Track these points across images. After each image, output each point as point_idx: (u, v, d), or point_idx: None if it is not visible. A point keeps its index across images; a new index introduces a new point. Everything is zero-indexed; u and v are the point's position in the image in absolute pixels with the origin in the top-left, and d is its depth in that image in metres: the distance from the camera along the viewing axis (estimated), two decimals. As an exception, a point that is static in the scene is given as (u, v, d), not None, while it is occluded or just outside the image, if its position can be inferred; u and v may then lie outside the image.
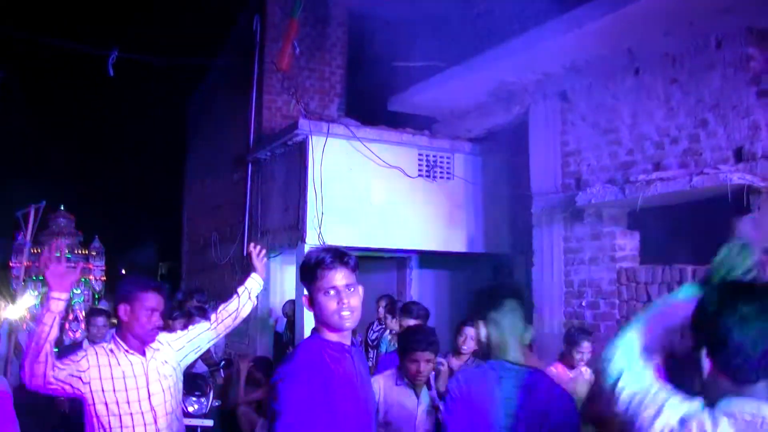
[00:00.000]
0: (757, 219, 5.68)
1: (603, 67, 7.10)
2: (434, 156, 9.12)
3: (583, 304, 7.09)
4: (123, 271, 23.48)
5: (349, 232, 8.52)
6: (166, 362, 3.64)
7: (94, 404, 3.38)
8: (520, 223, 8.64)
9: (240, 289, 4.05)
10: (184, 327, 4.84)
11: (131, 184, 18.79)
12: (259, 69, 10.88)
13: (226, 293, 12.16)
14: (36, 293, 14.21)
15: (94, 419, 3.38)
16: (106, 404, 3.38)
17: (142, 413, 3.44)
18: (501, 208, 9.41)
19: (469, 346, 5.65)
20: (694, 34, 6.24)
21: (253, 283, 4.10)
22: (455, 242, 9.24)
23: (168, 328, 4.98)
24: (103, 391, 3.39)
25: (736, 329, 1.77)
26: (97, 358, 3.46)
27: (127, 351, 3.52)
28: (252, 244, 4.32)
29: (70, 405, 6.21)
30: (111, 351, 3.52)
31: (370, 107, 10.26)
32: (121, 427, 3.39)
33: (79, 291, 15.97)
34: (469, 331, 5.70)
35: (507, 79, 7.99)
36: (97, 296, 15.72)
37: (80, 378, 3.37)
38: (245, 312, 4.04)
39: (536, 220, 7.78)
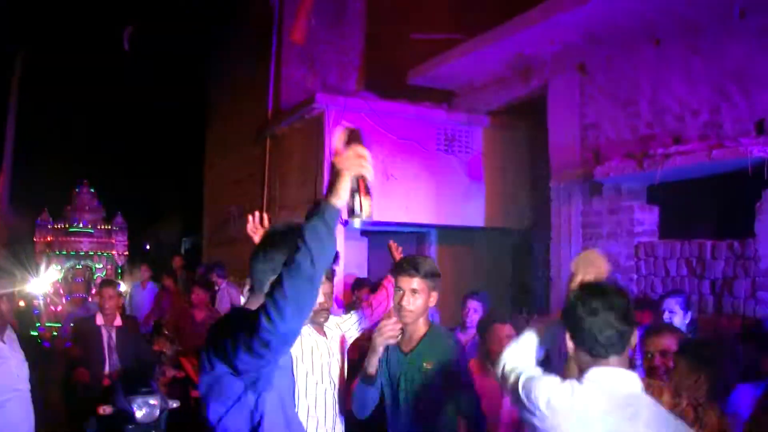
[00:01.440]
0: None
1: (622, 37, 6.96)
2: (453, 130, 9.04)
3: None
4: (147, 247, 23.64)
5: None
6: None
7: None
8: (540, 198, 8.55)
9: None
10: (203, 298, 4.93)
11: (153, 159, 18.86)
12: (277, 42, 10.82)
13: (244, 267, 12.27)
14: (59, 268, 14.35)
15: None
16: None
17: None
18: (520, 182, 9.32)
19: (472, 319, 5.76)
20: (716, 3, 6.08)
21: None
22: (474, 217, 9.17)
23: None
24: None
25: (587, 318, 2.41)
26: None
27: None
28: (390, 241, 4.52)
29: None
30: None
31: (389, 81, 10.17)
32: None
33: (101, 266, 16.08)
34: (472, 303, 5.89)
35: (525, 51, 7.87)
36: (120, 270, 15.82)
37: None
38: None
39: (554, 194, 7.70)
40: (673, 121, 6.47)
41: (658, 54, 6.65)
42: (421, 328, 3.59)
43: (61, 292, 14.25)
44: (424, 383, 3.49)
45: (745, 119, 5.87)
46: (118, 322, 6.50)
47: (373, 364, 3.49)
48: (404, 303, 3.49)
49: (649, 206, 6.95)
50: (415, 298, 3.49)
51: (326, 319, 3.87)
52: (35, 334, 9.88)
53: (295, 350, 3.62)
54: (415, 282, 3.48)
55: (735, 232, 6.01)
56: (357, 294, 8.32)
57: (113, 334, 6.41)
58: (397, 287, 3.53)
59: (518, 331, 3.04)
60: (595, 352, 2.41)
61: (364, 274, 9.86)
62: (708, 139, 6.04)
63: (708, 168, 5.99)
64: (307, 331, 3.71)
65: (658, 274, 6.53)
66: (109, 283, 7.04)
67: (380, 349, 3.44)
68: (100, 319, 6.45)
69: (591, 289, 2.48)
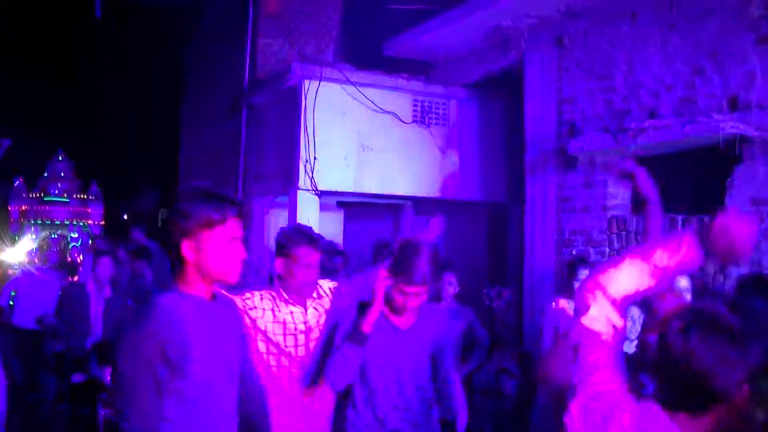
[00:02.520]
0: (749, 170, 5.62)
1: (599, 11, 6.95)
2: (429, 102, 9.01)
3: (573, 252, 7.05)
4: (125, 217, 23.49)
5: (343, 177, 8.47)
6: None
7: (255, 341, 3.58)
8: (515, 171, 8.57)
9: None
10: None
11: (130, 130, 18.72)
12: (254, 13, 10.68)
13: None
14: (35, 237, 14.26)
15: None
16: (267, 344, 3.61)
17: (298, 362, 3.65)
18: (496, 155, 9.32)
19: (447, 292, 5.92)
20: (692, -22, 6.09)
21: None
22: (450, 189, 9.17)
23: None
24: (265, 332, 3.60)
25: None
26: (262, 300, 3.66)
27: (287, 301, 3.67)
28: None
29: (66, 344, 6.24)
30: (272, 297, 3.70)
31: (367, 52, 10.11)
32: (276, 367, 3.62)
33: (76, 235, 15.99)
34: (447, 276, 6.01)
35: (502, 23, 7.83)
36: (92, 240, 15.74)
37: (247, 314, 3.57)
38: None
39: (530, 167, 7.71)
40: (648, 96, 6.48)
41: (635, 29, 6.64)
42: None
43: (36, 261, 14.16)
44: (420, 358, 3.61)
45: (719, 95, 5.89)
46: (108, 292, 6.48)
47: (370, 323, 3.47)
48: (410, 306, 3.54)
49: (623, 180, 6.96)
50: (420, 298, 3.55)
51: (311, 292, 3.78)
52: (11, 303, 9.79)
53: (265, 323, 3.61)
54: (422, 289, 3.53)
55: (708, 207, 6.06)
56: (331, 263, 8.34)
57: (102, 304, 6.40)
58: (403, 292, 3.50)
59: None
60: None
61: (339, 246, 9.88)
62: (682, 115, 6.07)
63: (681, 143, 6.03)
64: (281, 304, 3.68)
65: (629, 248, 6.58)
66: (104, 252, 6.99)
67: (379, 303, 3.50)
68: (91, 287, 6.44)
69: None
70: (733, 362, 1.82)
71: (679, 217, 6.16)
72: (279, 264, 3.69)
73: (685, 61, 6.18)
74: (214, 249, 2.51)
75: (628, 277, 2.17)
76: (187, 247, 2.50)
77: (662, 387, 1.97)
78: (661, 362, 1.93)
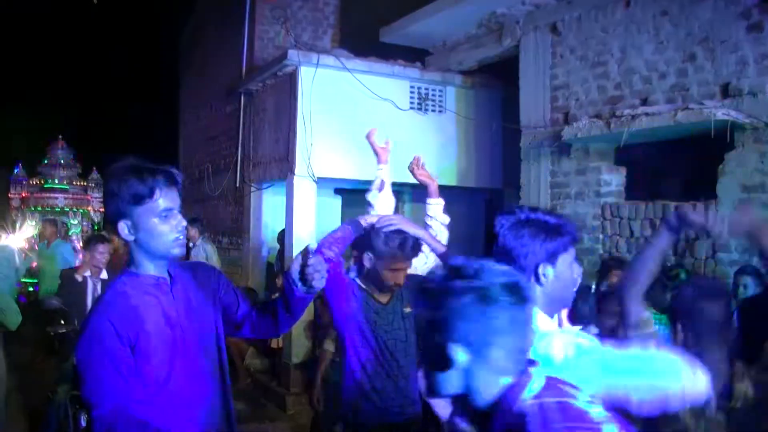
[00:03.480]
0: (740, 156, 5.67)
1: (594, -2, 6.98)
2: (426, 88, 9.05)
3: (567, 238, 7.09)
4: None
5: (340, 163, 8.52)
6: None
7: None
8: (512, 158, 8.61)
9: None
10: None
11: (129, 116, 18.70)
12: (251, -1, 10.73)
13: (219, 223, 12.24)
14: (34, 224, 14.31)
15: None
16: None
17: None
18: (493, 142, 9.36)
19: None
20: (685, -34, 6.12)
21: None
22: (447, 176, 9.20)
23: None
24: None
25: None
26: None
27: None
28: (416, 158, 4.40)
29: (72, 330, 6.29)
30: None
31: (364, 39, 10.13)
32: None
33: (77, 222, 16.06)
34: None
35: (498, 9, 7.87)
36: (96, 227, 15.78)
37: None
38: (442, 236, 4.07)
39: (524, 154, 7.76)
40: (641, 83, 6.52)
41: (628, 16, 6.68)
42: None
43: (36, 248, 14.17)
44: (407, 328, 3.59)
45: (711, 82, 5.93)
46: (104, 275, 6.53)
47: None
48: (400, 282, 3.56)
49: (617, 167, 7.03)
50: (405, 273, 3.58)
51: None
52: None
53: None
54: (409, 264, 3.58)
55: (701, 194, 6.12)
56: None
57: (99, 287, 6.44)
58: (395, 268, 3.50)
59: None
60: None
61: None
62: (674, 102, 6.11)
63: (674, 130, 6.06)
64: None
65: (623, 234, 6.64)
66: (101, 238, 6.99)
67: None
68: (86, 271, 6.49)
69: None
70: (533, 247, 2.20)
71: (672, 204, 6.21)
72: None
73: (677, 48, 6.21)
74: (147, 225, 2.37)
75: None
76: (123, 228, 2.38)
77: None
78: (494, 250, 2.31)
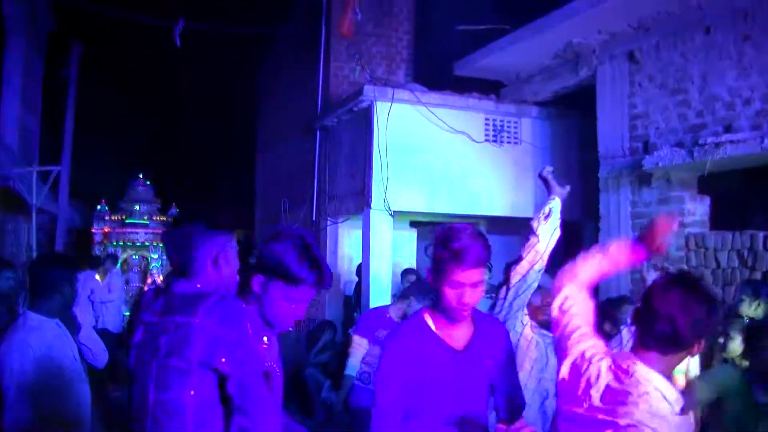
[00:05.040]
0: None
1: (671, 24, 6.87)
2: (501, 120, 9.03)
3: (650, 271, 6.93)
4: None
5: (415, 197, 8.55)
6: None
7: None
8: (589, 188, 8.49)
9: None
10: None
11: (206, 152, 19.19)
12: (326, 36, 10.91)
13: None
14: (117, 259, 14.69)
15: None
16: None
17: None
18: (569, 172, 9.23)
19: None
20: (768, -11, 5.98)
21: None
22: (523, 208, 9.13)
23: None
24: None
25: None
26: None
27: None
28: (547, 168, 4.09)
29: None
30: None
31: (437, 73, 10.19)
32: None
33: (156, 256, 16.46)
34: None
35: (573, 40, 7.82)
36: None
37: None
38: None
39: (603, 184, 7.64)
40: (723, 110, 6.36)
41: (708, 41, 6.55)
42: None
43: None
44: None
45: (799, 107, 5.76)
46: None
47: None
48: (468, 302, 2.74)
49: (700, 196, 6.86)
50: (477, 290, 2.77)
51: None
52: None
53: None
54: (479, 274, 2.75)
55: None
56: (405, 282, 8.41)
57: None
58: (454, 281, 2.72)
59: None
60: None
61: (412, 265, 9.94)
62: (760, 128, 5.94)
63: (760, 157, 5.89)
64: None
65: (708, 265, 6.45)
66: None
67: None
68: None
69: None
70: (698, 318, 2.23)
71: (761, 234, 6.02)
72: None
73: (761, 73, 6.05)
74: (275, 299, 2.66)
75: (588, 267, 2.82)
76: (256, 282, 2.66)
77: (641, 330, 2.36)
78: (644, 308, 2.34)
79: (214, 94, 16.85)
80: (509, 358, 2.96)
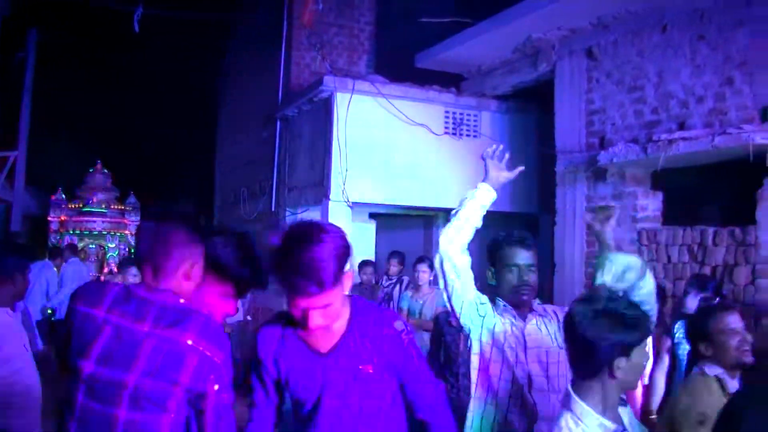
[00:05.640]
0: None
1: (630, 22, 6.96)
2: (461, 113, 9.07)
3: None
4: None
5: (374, 189, 8.55)
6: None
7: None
8: (547, 182, 8.58)
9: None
10: None
11: (167, 141, 18.97)
12: (288, 25, 10.85)
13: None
14: (76, 248, 14.48)
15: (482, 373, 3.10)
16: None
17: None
18: (528, 166, 9.25)
19: (422, 279, 7.02)
20: (723, -10, 6.09)
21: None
22: (482, 201, 9.18)
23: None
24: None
25: None
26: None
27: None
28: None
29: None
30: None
31: (399, 64, 10.20)
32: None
33: (114, 245, 16.27)
34: (421, 266, 7.01)
35: (533, 34, 7.89)
36: (132, 250, 15.94)
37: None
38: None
39: (560, 179, 7.73)
40: (678, 108, 6.47)
41: (665, 40, 6.64)
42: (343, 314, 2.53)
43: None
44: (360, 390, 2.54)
45: (750, 107, 5.87)
46: None
47: None
48: (313, 325, 2.39)
49: (653, 192, 6.97)
50: (328, 312, 2.40)
51: None
52: (50, 311, 10.04)
53: None
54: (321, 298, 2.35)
55: (739, 218, 6.04)
56: (361, 275, 8.42)
57: None
58: (294, 305, 2.40)
59: None
60: None
61: (371, 256, 9.94)
62: (712, 126, 6.05)
63: (711, 155, 6.00)
64: None
65: (660, 260, 6.56)
66: (132, 261, 6.96)
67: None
68: None
69: None
70: (611, 340, 2.14)
71: (710, 229, 6.13)
72: None
73: (715, 72, 6.16)
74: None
75: None
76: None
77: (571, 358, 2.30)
78: (569, 336, 2.28)
79: (175, 81, 16.64)
80: (403, 353, 2.55)
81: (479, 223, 3.23)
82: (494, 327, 3.10)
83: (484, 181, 3.26)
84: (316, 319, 2.34)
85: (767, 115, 5.72)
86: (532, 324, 3.13)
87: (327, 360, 2.48)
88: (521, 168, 3.45)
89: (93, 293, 2.39)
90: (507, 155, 3.38)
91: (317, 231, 2.35)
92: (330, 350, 2.49)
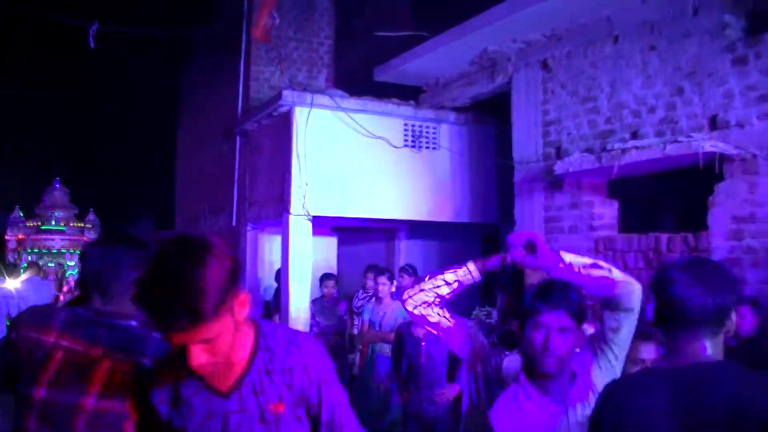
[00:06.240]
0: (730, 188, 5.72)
1: (583, 35, 7.09)
2: (420, 126, 9.14)
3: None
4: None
5: (335, 202, 8.57)
6: None
7: None
8: (506, 193, 8.67)
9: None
10: None
11: (125, 156, 18.82)
12: (246, 39, 10.85)
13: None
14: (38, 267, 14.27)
15: None
16: None
17: None
18: (487, 177, 9.44)
19: (383, 291, 7.18)
20: (671, 1, 6.23)
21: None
22: (442, 212, 9.28)
23: None
24: None
25: None
26: None
27: None
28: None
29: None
30: None
31: (358, 78, 10.27)
32: None
33: (73, 263, 16.06)
34: (381, 279, 7.23)
35: (489, 47, 7.99)
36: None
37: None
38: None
39: (518, 189, 7.82)
40: (630, 117, 6.60)
41: (617, 51, 6.78)
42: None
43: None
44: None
45: (699, 115, 6.00)
46: None
47: None
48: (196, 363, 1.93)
49: (609, 200, 7.08)
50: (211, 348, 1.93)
51: None
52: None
53: None
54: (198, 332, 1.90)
55: (691, 225, 6.17)
56: (323, 289, 8.43)
57: None
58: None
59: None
60: None
61: (333, 270, 9.96)
62: (664, 135, 6.18)
63: (663, 163, 6.12)
64: None
65: (617, 266, 6.64)
66: None
67: None
68: None
69: None
70: None
71: (664, 236, 6.25)
72: None
73: (666, 82, 6.30)
74: None
75: None
76: None
77: None
78: None
79: (134, 96, 16.55)
80: (320, 385, 2.13)
81: (445, 294, 3.09)
82: None
83: (474, 262, 3.09)
84: (197, 356, 1.88)
85: (716, 124, 5.85)
86: None
87: (229, 401, 2.04)
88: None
89: (40, 318, 2.33)
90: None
91: (192, 248, 1.86)
92: (231, 388, 2.05)
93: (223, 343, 1.91)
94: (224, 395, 2.04)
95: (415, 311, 3.12)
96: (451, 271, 3.07)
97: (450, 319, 3.11)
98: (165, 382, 2.08)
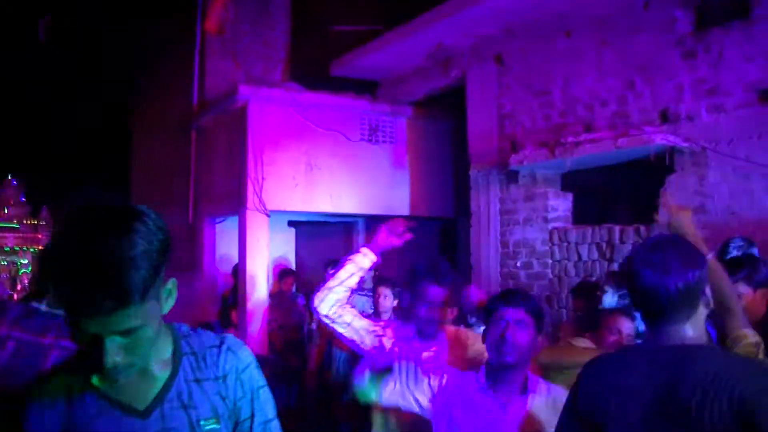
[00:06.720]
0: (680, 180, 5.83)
1: (536, 29, 7.17)
2: (376, 120, 9.13)
3: (518, 264, 7.22)
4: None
5: (292, 197, 8.54)
6: None
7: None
8: (463, 187, 8.73)
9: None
10: None
11: (79, 152, 18.54)
12: (201, 33, 10.71)
13: (173, 259, 12.28)
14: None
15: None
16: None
17: None
18: (444, 171, 9.48)
19: (384, 305, 5.98)
20: (622, -4, 6.33)
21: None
22: (399, 206, 9.28)
23: None
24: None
25: None
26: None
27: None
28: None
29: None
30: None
31: (315, 72, 10.22)
32: None
33: (26, 261, 15.81)
34: (383, 290, 6.01)
35: (444, 41, 8.02)
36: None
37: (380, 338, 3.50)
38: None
39: (473, 183, 7.88)
40: (583, 111, 6.69)
41: (570, 46, 6.86)
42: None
43: None
44: None
45: (650, 109, 6.12)
46: None
47: None
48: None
49: (563, 193, 7.17)
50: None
51: None
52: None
53: None
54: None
55: (644, 217, 6.27)
56: (282, 284, 8.40)
57: None
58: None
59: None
60: None
61: (291, 265, 9.93)
62: (616, 128, 6.28)
63: (615, 156, 6.22)
64: None
65: (570, 258, 6.76)
66: None
67: None
68: None
69: None
70: None
71: (617, 228, 6.35)
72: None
73: (617, 76, 6.40)
74: None
75: None
76: None
77: None
78: None
79: (86, 91, 16.27)
80: (252, 386, 1.80)
81: (354, 285, 3.44)
82: None
83: (366, 245, 3.54)
84: (113, 353, 1.50)
85: (667, 117, 5.96)
86: None
87: (148, 422, 1.64)
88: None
89: None
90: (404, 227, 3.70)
91: (116, 214, 1.55)
92: (151, 405, 1.66)
93: (144, 340, 1.55)
94: (141, 414, 1.64)
95: (330, 312, 3.41)
96: (348, 261, 3.44)
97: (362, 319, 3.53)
98: (54, 402, 1.65)
